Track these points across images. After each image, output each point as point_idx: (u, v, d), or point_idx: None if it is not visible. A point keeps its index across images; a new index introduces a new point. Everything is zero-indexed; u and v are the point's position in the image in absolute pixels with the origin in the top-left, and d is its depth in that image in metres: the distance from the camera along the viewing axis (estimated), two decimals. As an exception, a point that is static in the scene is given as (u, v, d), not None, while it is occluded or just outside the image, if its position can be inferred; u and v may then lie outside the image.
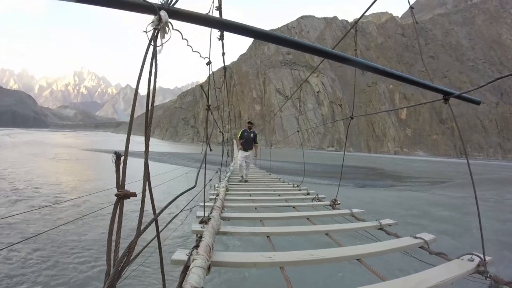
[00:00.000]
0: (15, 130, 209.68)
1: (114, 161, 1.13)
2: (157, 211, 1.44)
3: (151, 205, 1.38)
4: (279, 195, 5.84)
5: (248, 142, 9.74)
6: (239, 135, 9.90)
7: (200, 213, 3.15)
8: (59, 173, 22.77)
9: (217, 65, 8.11)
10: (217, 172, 8.64)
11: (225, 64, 4.84)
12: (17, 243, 7.21)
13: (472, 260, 2.14)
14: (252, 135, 9.89)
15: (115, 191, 1.14)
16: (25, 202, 13.10)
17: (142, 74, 1.20)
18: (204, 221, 2.84)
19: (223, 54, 4.25)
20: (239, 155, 9.55)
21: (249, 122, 10.11)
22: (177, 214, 2.59)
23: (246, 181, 8.74)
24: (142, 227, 1.24)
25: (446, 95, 2.35)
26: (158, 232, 1.45)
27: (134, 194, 1.17)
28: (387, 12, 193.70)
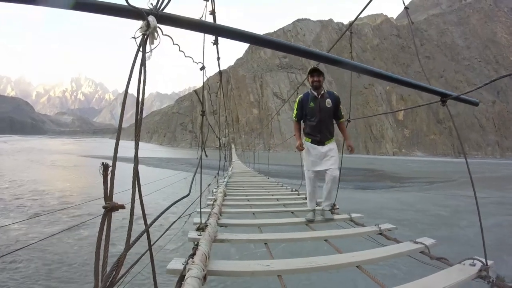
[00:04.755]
0: (12, 137, 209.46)
1: (101, 172, 1.09)
2: (149, 221, 1.39)
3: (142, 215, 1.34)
4: (277, 200, 5.78)
5: (322, 123, 4.13)
6: (295, 109, 4.34)
7: (197, 219, 3.11)
8: (55, 180, 22.70)
9: (213, 69, 8.04)
10: (215, 177, 8.57)
11: (221, 69, 4.82)
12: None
13: (474, 265, 2.11)
14: (329, 102, 4.14)
15: (103, 202, 1.11)
16: (14, 211, 13.12)
17: (132, 81, 1.17)
18: (200, 228, 2.81)
19: (218, 58, 4.22)
20: (304, 157, 4.28)
21: (313, 70, 4.12)
22: (172, 224, 2.54)
23: (311, 220, 3.87)
24: (132, 239, 1.20)
25: (444, 97, 2.32)
26: (150, 244, 1.41)
27: (122, 206, 1.13)
28: (382, 13, 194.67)
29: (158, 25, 1.24)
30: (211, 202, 4.65)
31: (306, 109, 4.19)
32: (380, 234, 3.17)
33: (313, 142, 4.14)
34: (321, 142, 4.10)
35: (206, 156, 2.83)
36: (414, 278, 2.00)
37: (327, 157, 4.02)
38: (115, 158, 1.14)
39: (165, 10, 1.32)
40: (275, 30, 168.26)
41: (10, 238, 9.83)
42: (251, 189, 7.87)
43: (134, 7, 1.20)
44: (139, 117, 1.20)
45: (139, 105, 1.19)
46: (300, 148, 4.09)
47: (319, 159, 4.07)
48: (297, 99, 4.33)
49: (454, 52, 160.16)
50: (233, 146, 44.57)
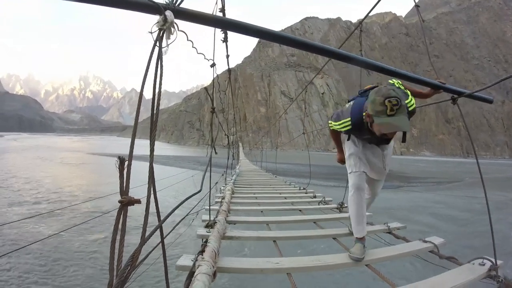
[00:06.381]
0: (21, 134, 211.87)
1: (117, 166, 1.10)
2: (162, 217, 1.40)
3: (155, 211, 1.35)
4: (285, 198, 5.76)
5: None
6: (339, 128, 2.51)
7: (206, 216, 3.11)
8: (65, 178, 22.87)
9: (221, 67, 8.04)
10: (222, 175, 8.57)
11: (230, 67, 4.82)
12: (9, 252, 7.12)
13: (483, 265, 2.09)
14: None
15: (119, 197, 1.11)
16: (26, 207, 13.25)
17: (147, 76, 1.17)
18: (209, 225, 2.81)
19: (227, 56, 4.23)
20: (348, 151, 2.60)
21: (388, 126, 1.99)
22: (181, 220, 2.54)
23: (359, 259, 2.25)
24: (147, 234, 1.21)
25: (455, 95, 2.31)
26: (162, 238, 1.42)
27: (138, 201, 1.13)
28: (390, 12, 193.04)
29: (175, 20, 1.24)
30: (219, 200, 4.64)
31: (358, 136, 2.56)
32: (389, 233, 3.15)
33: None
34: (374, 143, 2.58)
35: (216, 153, 2.84)
36: (423, 277, 1.99)
37: (382, 161, 2.63)
38: (131, 153, 1.14)
39: (180, 5, 1.32)
40: (283, 28, 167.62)
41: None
42: (259, 187, 7.84)
43: (151, 1, 1.20)
44: (155, 112, 1.21)
45: (156, 100, 1.19)
46: (341, 164, 2.93)
47: (374, 158, 2.59)
48: (344, 124, 2.47)
49: (463, 51, 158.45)
50: (240, 144, 44.57)
